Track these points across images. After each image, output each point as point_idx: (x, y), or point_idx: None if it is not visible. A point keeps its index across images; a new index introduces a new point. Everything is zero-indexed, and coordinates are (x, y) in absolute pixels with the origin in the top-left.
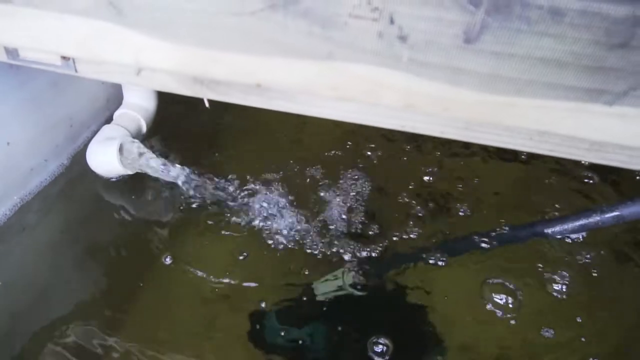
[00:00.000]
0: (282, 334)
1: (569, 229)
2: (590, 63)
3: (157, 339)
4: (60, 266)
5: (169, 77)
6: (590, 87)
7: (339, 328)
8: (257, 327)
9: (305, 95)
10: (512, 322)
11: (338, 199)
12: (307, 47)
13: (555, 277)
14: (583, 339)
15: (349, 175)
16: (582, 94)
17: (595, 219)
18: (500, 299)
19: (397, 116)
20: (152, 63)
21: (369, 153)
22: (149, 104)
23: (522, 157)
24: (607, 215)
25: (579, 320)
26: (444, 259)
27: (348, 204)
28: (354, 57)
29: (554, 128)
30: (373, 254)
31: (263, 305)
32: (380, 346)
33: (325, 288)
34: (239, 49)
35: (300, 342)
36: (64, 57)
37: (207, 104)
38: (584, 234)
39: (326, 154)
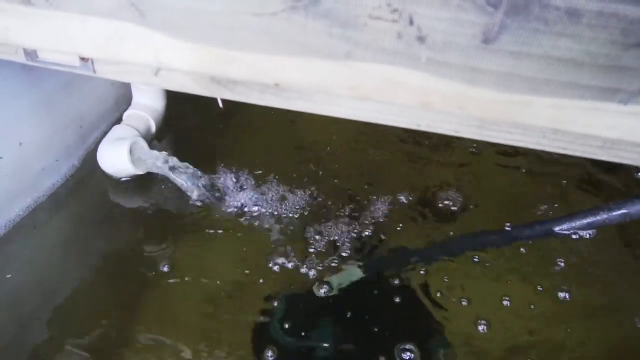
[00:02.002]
0: (287, 339)
1: (576, 227)
2: (606, 62)
3: (162, 340)
4: (70, 265)
5: (186, 77)
6: (606, 85)
7: (346, 332)
8: (262, 333)
9: (323, 95)
10: (520, 320)
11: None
12: (326, 47)
13: (564, 275)
14: (591, 340)
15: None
16: (597, 92)
17: (602, 216)
18: (507, 297)
19: (413, 115)
20: (172, 63)
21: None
22: (158, 104)
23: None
24: (615, 213)
25: (586, 319)
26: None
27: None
28: (373, 57)
29: (568, 126)
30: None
31: (268, 309)
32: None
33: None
34: (259, 49)
35: (305, 347)
36: (82, 58)
37: (220, 105)
38: (591, 231)
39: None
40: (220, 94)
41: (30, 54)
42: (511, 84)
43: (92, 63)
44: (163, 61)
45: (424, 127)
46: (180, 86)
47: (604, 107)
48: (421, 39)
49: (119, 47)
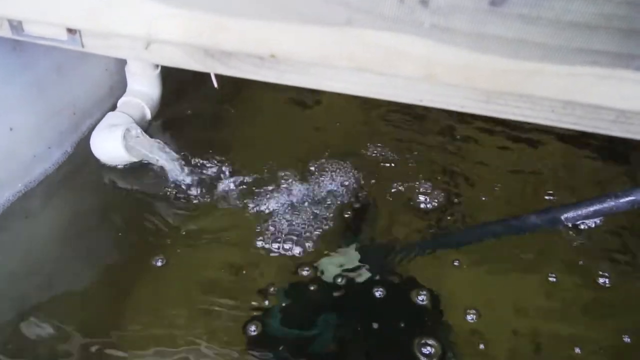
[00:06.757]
0: (286, 334)
1: (583, 215)
2: (622, 25)
3: (156, 329)
4: (62, 255)
5: (179, 50)
6: (621, 51)
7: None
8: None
9: (319, 68)
10: (528, 311)
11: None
12: (324, 13)
13: (571, 264)
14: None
15: None
16: (612, 59)
17: (609, 204)
18: (511, 287)
19: (416, 89)
20: (163, 33)
21: None
22: (153, 92)
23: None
24: (622, 200)
25: (594, 309)
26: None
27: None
28: (373, 24)
29: (580, 97)
30: None
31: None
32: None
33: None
34: (253, 15)
35: (306, 341)
36: (70, 31)
37: (215, 84)
38: (598, 219)
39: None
40: (214, 68)
41: (16, 27)
42: (520, 51)
43: (80, 36)
44: (154, 31)
45: (426, 103)
46: (172, 60)
47: (619, 74)
48: (424, 3)
49: (108, 16)
